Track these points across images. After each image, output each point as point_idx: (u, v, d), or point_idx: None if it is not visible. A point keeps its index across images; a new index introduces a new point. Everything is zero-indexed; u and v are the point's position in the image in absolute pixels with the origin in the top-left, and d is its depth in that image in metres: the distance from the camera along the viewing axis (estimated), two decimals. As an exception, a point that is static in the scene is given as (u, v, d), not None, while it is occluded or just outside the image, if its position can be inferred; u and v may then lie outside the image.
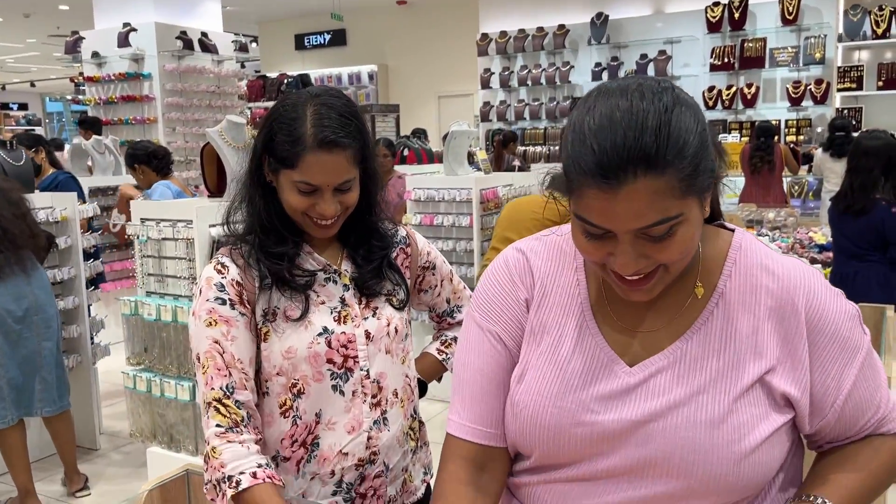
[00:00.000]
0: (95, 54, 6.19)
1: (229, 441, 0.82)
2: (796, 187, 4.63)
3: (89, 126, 5.17)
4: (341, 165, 0.86)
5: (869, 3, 5.11)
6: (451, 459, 0.69)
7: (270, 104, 8.51)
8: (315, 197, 0.86)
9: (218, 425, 0.83)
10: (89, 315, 2.84)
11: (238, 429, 0.83)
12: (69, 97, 8.24)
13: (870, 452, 0.64)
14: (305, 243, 0.93)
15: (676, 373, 0.61)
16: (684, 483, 0.59)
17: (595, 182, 0.51)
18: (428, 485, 1.05)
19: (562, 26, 6.29)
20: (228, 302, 0.89)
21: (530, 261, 0.69)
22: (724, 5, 5.54)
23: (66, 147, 4.82)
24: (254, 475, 0.80)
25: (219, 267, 0.91)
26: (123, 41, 5.93)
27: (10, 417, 2.20)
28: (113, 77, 6.08)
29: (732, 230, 0.65)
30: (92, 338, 2.88)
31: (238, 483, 0.78)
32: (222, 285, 0.89)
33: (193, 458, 2.14)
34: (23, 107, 13.07)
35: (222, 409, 0.84)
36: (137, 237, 2.30)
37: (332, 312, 0.92)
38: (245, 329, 0.89)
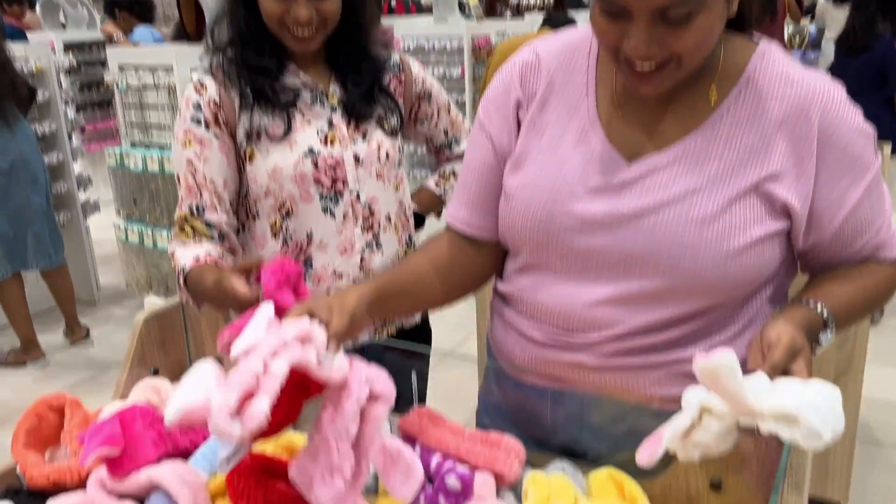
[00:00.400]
0: None
1: (184, 246, 0.84)
2: (797, 38, 4.40)
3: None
4: None
5: None
6: (434, 238, 0.73)
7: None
8: (289, 2, 0.82)
9: (179, 241, 0.85)
10: (74, 171, 2.77)
11: (197, 239, 0.84)
12: None
13: (866, 272, 0.63)
14: (291, 62, 0.90)
15: (675, 172, 0.59)
16: (668, 281, 0.59)
17: None
18: (425, 312, 1.05)
19: None
20: (203, 122, 0.87)
21: (541, 60, 0.66)
22: None
23: (38, 1, 4.41)
24: (196, 259, 0.81)
25: (197, 86, 0.88)
26: None
27: (3, 270, 2.21)
28: None
29: (758, 42, 0.61)
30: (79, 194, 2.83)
31: (183, 270, 0.80)
32: (199, 105, 0.87)
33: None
34: None
35: (187, 227, 0.86)
36: (117, 85, 2.20)
37: (318, 133, 0.90)
38: (218, 151, 0.87)
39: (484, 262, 0.72)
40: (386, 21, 3.88)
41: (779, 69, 0.59)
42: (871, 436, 1.87)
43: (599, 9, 0.53)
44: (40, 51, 2.61)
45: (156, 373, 0.77)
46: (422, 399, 0.82)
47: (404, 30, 3.19)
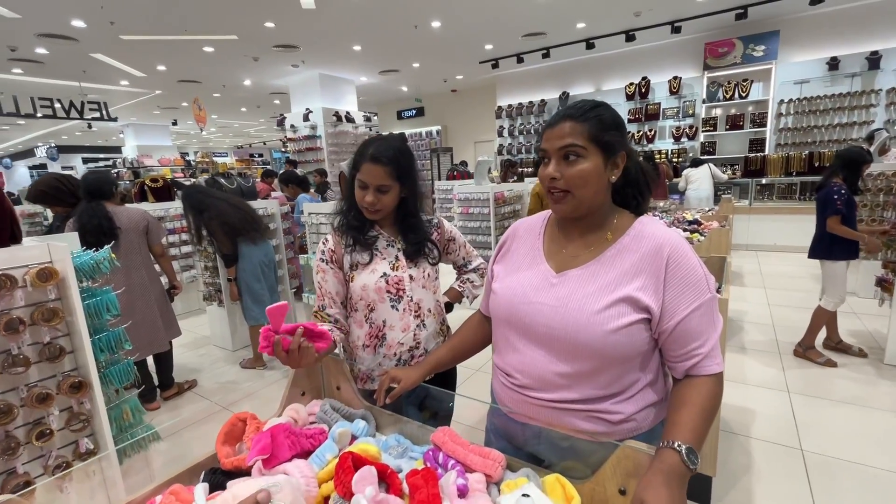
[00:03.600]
0: (292, 126, 9.46)
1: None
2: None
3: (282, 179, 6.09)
4: (381, 174, 1.25)
5: (721, 79, 7.83)
6: (472, 316, 1.20)
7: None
8: (366, 192, 1.27)
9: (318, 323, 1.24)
10: (287, 264, 4.42)
11: (323, 324, 1.26)
12: (281, 150, 12.95)
13: (693, 391, 0.86)
14: (377, 224, 1.35)
15: (580, 281, 0.91)
16: (572, 347, 0.89)
17: (545, 127, 0.91)
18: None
19: (543, 101, 9.76)
20: (325, 260, 1.32)
21: (519, 227, 1.10)
22: (636, 84, 8.58)
23: (276, 181, 6.77)
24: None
25: (325, 238, 1.35)
26: (305, 118, 9.27)
27: (259, 318, 3.33)
28: (301, 137, 9.34)
29: (639, 217, 0.96)
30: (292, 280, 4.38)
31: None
32: (324, 251, 1.32)
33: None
34: (260, 155, 20.63)
35: (319, 315, 1.32)
36: (308, 224, 5.22)
37: (389, 264, 1.33)
38: (333, 277, 1.31)
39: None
40: (452, 183, 6.73)
41: (650, 229, 0.91)
42: (729, 428, 2.44)
43: (540, 159, 0.91)
44: (274, 204, 5.13)
45: (303, 394, 1.14)
46: (449, 416, 1.33)
47: (459, 188, 4.97)
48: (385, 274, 1.34)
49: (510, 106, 10.08)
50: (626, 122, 8.25)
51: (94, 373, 1.67)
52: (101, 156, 17.63)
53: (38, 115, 8.20)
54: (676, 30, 7.21)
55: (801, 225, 6.50)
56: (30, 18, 5.67)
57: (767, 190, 7.15)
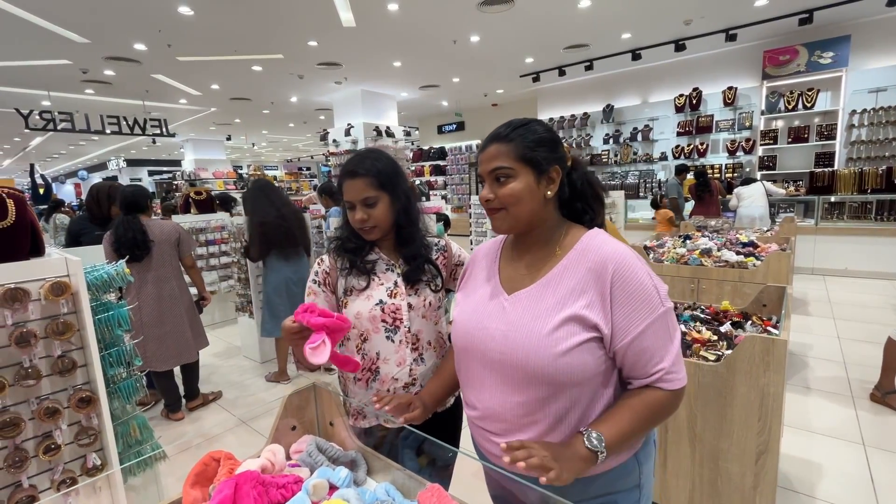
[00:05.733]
0: (334, 140, 9.63)
1: None
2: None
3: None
4: (361, 186, 1.18)
5: (782, 89, 7.26)
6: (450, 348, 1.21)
7: (426, 163, 12.84)
8: (354, 211, 1.21)
9: None
10: None
11: None
12: (324, 163, 13.42)
13: (637, 397, 0.87)
14: (376, 246, 1.27)
15: (529, 301, 0.91)
16: (524, 371, 0.87)
17: (479, 151, 0.94)
18: (457, 398, 1.35)
19: (586, 113, 9.40)
20: (317, 281, 1.25)
21: (479, 252, 1.11)
22: (686, 95, 8.09)
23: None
24: None
25: (320, 260, 1.27)
26: (347, 133, 9.47)
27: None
28: (342, 152, 9.36)
29: (589, 230, 0.95)
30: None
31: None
32: (317, 272, 1.25)
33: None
34: (308, 168, 21.57)
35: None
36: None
37: (386, 290, 1.24)
38: (324, 299, 1.24)
39: None
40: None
41: (596, 243, 0.90)
42: (790, 485, 2.17)
43: (480, 182, 0.93)
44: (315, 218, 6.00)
45: (294, 428, 1.09)
46: (449, 466, 1.24)
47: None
48: (381, 301, 1.25)
49: (551, 119, 9.85)
50: (675, 132, 8.10)
51: (101, 387, 1.66)
52: (165, 168, 18.93)
53: (107, 131, 8.88)
54: (731, 38, 6.77)
55: (877, 248, 5.85)
56: (98, 43, 6.16)
57: (837, 208, 6.51)
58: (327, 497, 0.90)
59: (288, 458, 1.08)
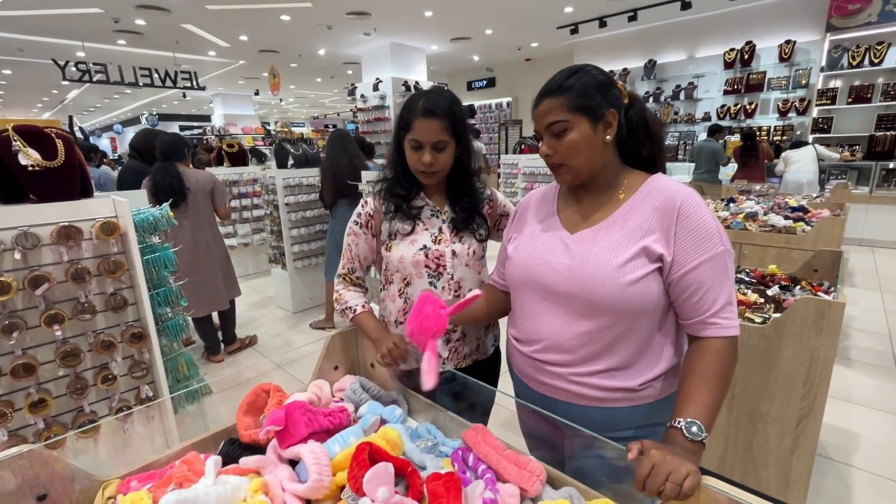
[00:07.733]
0: (362, 96, 9.56)
1: (347, 290, 1.26)
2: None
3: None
4: (437, 128, 1.14)
5: (848, 42, 6.54)
6: (485, 286, 1.22)
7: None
8: (421, 152, 1.16)
9: (343, 285, 1.28)
10: None
11: (353, 287, 1.27)
12: (351, 120, 13.28)
13: (700, 363, 0.86)
14: (423, 192, 1.26)
15: (595, 239, 0.93)
16: (590, 302, 0.91)
17: (533, 107, 0.94)
18: (497, 348, 1.38)
19: (625, 69, 8.77)
20: (359, 223, 1.25)
21: (532, 197, 1.13)
22: (738, 50, 7.38)
23: None
24: (362, 306, 1.22)
25: (364, 202, 1.26)
26: (375, 88, 9.34)
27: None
28: (370, 108, 9.43)
29: (652, 174, 0.96)
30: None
31: (353, 310, 1.21)
32: (360, 213, 1.25)
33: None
34: (334, 126, 21.47)
35: (346, 278, 1.28)
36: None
37: (431, 236, 1.24)
38: (364, 241, 1.26)
39: (506, 298, 1.15)
40: (519, 157, 6.39)
41: (661, 185, 0.93)
42: (826, 453, 2.16)
43: (537, 139, 0.95)
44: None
45: (336, 368, 1.13)
46: (488, 409, 1.30)
47: (526, 162, 5.06)
48: (425, 246, 1.25)
49: (588, 75, 9.38)
50: (722, 90, 7.52)
51: (151, 325, 1.74)
52: (195, 124, 19.12)
53: (140, 83, 8.96)
54: (795, -17, 6.19)
55: (937, 220, 5.46)
56: (128, -10, 6.10)
57: (895, 175, 6.06)
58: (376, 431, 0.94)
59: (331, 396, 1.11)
